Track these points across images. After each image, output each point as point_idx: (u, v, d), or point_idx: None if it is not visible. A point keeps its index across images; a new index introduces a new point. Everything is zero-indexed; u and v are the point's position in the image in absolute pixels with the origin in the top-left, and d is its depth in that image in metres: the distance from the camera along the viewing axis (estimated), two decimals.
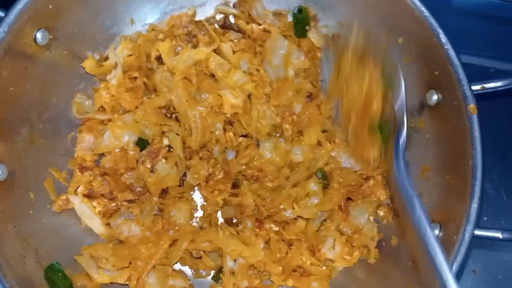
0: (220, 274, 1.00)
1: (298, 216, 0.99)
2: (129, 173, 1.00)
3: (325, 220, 1.02)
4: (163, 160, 0.99)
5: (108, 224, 0.99)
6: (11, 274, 0.80)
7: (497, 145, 1.26)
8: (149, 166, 0.99)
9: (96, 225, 0.98)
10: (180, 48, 1.03)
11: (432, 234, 0.73)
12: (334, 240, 0.99)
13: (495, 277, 1.17)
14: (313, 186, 0.99)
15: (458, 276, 1.15)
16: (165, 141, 1.01)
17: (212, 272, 1.03)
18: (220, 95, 1.01)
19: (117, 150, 1.00)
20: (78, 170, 1.00)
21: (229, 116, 1.02)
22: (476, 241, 1.17)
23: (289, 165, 1.02)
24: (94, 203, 0.99)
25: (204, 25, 1.06)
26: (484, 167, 0.88)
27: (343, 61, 0.95)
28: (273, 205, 0.98)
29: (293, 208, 0.97)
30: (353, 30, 0.95)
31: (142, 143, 1.01)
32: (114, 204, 0.99)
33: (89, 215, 0.98)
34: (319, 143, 1.02)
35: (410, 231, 0.78)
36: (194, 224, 1.04)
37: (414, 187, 0.81)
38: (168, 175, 0.99)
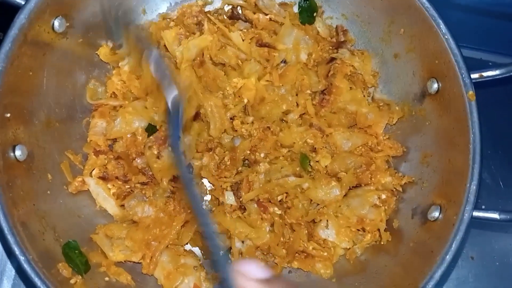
0: (229, 255, 1.04)
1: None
2: (140, 158, 1.03)
3: (322, 208, 1.05)
4: (170, 148, 1.02)
5: (122, 206, 1.02)
6: (32, 248, 0.84)
7: (495, 136, 1.30)
8: (155, 152, 1.02)
9: (110, 206, 1.02)
10: (182, 36, 1.06)
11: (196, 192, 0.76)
12: (327, 220, 1.03)
13: (492, 263, 1.21)
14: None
15: (457, 262, 1.20)
16: None
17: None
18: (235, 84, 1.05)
19: (128, 136, 1.04)
20: (93, 153, 1.03)
21: (245, 102, 1.06)
22: (474, 229, 1.22)
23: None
24: (109, 185, 1.02)
25: (213, 15, 1.10)
26: (482, 152, 0.92)
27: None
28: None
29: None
30: None
31: (151, 129, 1.04)
32: (128, 187, 1.02)
33: (104, 196, 1.01)
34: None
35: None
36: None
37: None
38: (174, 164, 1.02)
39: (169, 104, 0.85)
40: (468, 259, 1.21)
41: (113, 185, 1.03)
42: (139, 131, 1.04)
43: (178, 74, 1.05)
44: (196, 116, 1.04)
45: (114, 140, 1.06)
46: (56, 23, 0.95)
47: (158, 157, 1.03)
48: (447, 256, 0.86)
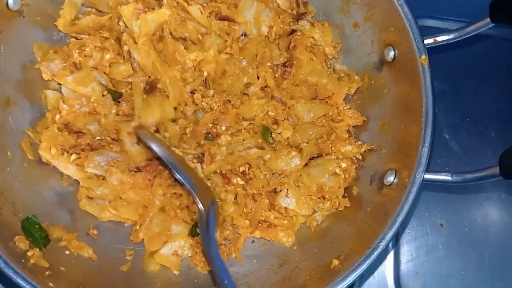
0: (197, 229, 1.05)
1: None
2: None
3: (283, 177, 1.07)
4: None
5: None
6: None
7: (462, 106, 1.32)
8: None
9: (72, 172, 1.02)
10: (141, 11, 1.06)
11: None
12: (288, 189, 1.04)
13: (461, 230, 1.23)
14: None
15: (427, 230, 1.22)
16: None
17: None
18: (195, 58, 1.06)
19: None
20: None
21: (205, 76, 1.07)
22: (442, 198, 1.23)
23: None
24: (74, 156, 1.02)
25: None
26: (434, 116, 0.93)
27: None
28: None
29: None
30: None
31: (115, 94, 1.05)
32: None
33: (64, 166, 1.02)
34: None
35: None
36: None
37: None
38: None
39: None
40: (437, 226, 1.23)
41: (76, 153, 1.03)
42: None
43: (138, 52, 1.05)
44: (153, 90, 1.05)
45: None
46: (10, 0, 0.95)
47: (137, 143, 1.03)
48: (398, 217, 0.88)
